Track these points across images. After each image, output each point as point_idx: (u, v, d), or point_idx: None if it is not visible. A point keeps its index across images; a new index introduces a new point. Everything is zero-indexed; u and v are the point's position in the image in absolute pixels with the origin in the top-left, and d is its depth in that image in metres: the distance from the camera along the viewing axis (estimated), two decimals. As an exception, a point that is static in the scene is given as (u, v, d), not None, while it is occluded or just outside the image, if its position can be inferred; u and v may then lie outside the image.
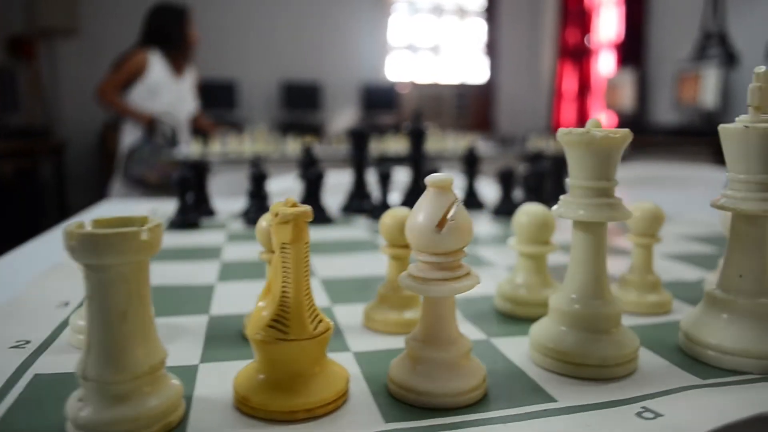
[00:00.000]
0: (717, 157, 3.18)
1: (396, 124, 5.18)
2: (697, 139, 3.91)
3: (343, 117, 5.68)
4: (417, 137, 1.03)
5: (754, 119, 0.38)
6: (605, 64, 5.30)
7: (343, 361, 0.39)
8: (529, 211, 0.49)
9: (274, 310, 0.33)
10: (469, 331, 0.45)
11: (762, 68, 0.39)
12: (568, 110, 5.61)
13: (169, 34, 2.94)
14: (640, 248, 0.50)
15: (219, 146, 2.88)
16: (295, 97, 5.45)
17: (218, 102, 5.11)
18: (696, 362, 0.39)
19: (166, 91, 2.93)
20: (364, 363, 0.39)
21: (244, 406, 0.33)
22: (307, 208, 0.32)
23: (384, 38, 5.75)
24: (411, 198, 1.00)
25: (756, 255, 0.39)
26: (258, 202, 0.94)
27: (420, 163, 1.02)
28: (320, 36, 5.58)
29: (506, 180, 0.97)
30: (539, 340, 0.39)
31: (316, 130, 5.09)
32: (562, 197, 0.39)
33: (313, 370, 0.34)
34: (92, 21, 4.99)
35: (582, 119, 5.50)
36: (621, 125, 4.95)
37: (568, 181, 0.39)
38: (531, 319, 0.44)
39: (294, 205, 0.33)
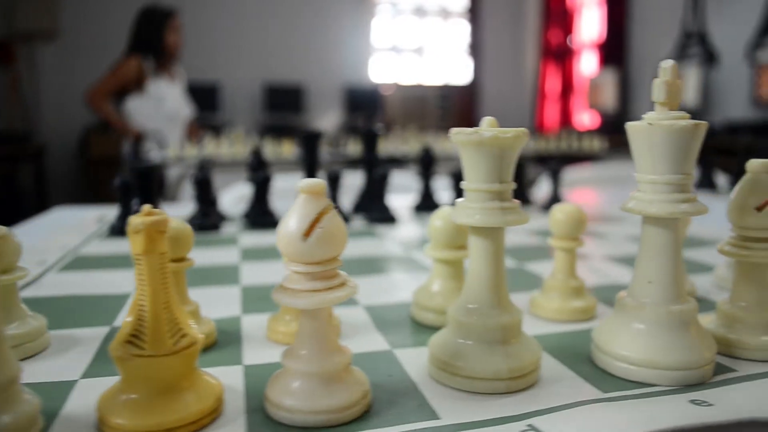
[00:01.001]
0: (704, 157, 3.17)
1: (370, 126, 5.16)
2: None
3: (326, 119, 5.66)
4: (370, 139, 1.01)
5: (659, 116, 0.36)
6: (588, 64, 5.30)
7: (230, 375, 0.37)
8: (443, 215, 0.47)
9: (131, 325, 0.31)
10: (374, 340, 0.43)
11: (669, 62, 0.37)
12: (552, 110, 5.61)
13: (150, 40, 2.91)
14: (562, 252, 0.48)
15: (195, 150, 2.85)
16: (278, 100, 5.42)
17: (200, 105, 5.06)
18: (604, 374, 0.37)
19: (168, 99, 2.93)
20: (253, 377, 0.37)
21: (104, 426, 0.30)
22: (162, 217, 0.30)
23: (367, 40, 5.73)
24: (364, 202, 0.98)
25: (666, 260, 0.37)
26: (204, 207, 0.91)
27: (373, 166, 1.00)
28: (303, 38, 5.55)
29: (458, 180, 0.95)
30: (434, 353, 0.36)
31: (299, 133, 5.05)
32: (457, 201, 0.37)
33: (179, 386, 0.31)
34: (73, 24, 4.94)
35: (565, 119, 5.51)
36: (604, 124, 4.95)
37: (463, 184, 0.36)
38: (444, 328, 0.42)
39: (149, 214, 0.30)
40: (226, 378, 0.37)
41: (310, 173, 0.99)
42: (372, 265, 0.66)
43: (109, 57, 4.05)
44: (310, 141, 0.99)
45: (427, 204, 1.02)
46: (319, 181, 0.31)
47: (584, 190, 1.55)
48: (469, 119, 5.94)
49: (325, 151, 3.11)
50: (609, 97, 4.83)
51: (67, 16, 4.92)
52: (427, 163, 1.04)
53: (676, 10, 4.46)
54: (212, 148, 2.90)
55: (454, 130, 0.35)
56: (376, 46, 5.76)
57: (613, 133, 4.60)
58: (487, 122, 0.36)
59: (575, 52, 5.43)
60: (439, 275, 0.47)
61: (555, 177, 0.99)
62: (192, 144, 2.88)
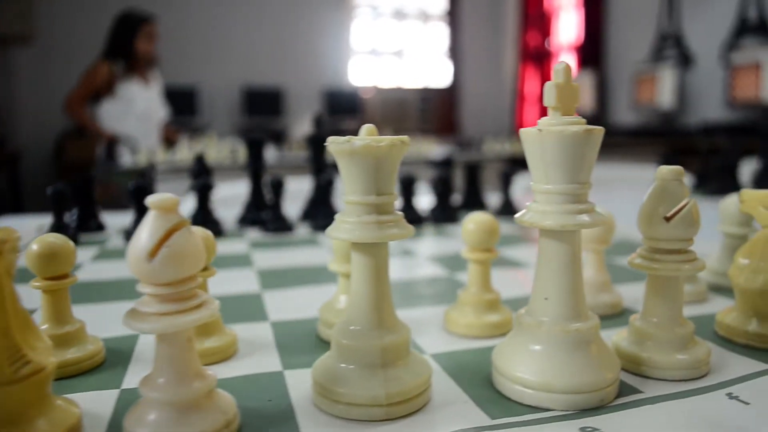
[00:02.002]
0: (667, 157, 3.19)
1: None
2: (654, 139, 3.93)
3: (306, 122, 5.62)
4: (317, 144, 0.98)
5: (550, 121, 0.34)
6: (566, 67, 5.31)
7: (101, 401, 0.34)
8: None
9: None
10: (267, 360, 0.40)
11: (561, 64, 0.34)
12: (531, 112, 5.62)
13: (122, 45, 2.90)
14: (475, 264, 0.45)
15: (168, 154, 2.80)
16: (257, 103, 5.37)
17: (179, 108, 5.01)
18: (500, 398, 0.35)
19: (139, 100, 2.92)
20: (126, 403, 0.34)
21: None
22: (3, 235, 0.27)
23: (347, 43, 5.70)
24: (312, 209, 0.96)
25: (562, 275, 0.34)
26: (141, 216, 0.88)
27: (322, 172, 0.98)
28: (282, 41, 5.52)
29: (408, 187, 0.93)
30: (315, 377, 0.34)
31: (278, 136, 5.02)
32: (337, 216, 0.34)
33: (26, 416, 0.28)
34: (48, 29, 4.87)
35: (545, 122, 5.51)
36: (582, 127, 4.95)
37: (344, 197, 0.34)
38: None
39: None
40: (96, 404, 0.34)
41: (256, 180, 0.97)
42: (302, 276, 0.64)
43: (85, 62, 3.98)
44: (254, 146, 0.96)
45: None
46: (169, 196, 0.29)
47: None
48: (450, 122, 5.94)
49: (300, 155, 3.09)
50: (586, 99, 4.84)
51: (42, 20, 4.84)
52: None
53: (652, 13, 4.48)
54: (185, 152, 2.86)
55: (330, 139, 0.33)
56: (355, 49, 5.74)
57: (591, 135, 4.61)
58: (365, 130, 0.33)
59: (553, 55, 5.44)
60: (345, 290, 0.45)
61: (506, 182, 0.97)
62: (166, 147, 2.86)
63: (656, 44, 4.42)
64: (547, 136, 0.33)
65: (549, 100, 0.34)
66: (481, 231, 0.44)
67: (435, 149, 3.36)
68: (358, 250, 0.33)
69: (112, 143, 2.86)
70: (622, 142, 4.17)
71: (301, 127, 5.57)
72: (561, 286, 0.34)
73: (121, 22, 2.93)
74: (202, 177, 0.91)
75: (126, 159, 2.76)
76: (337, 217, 0.34)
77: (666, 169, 0.37)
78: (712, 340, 0.43)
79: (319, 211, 0.91)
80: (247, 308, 0.52)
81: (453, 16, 5.86)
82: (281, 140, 4.65)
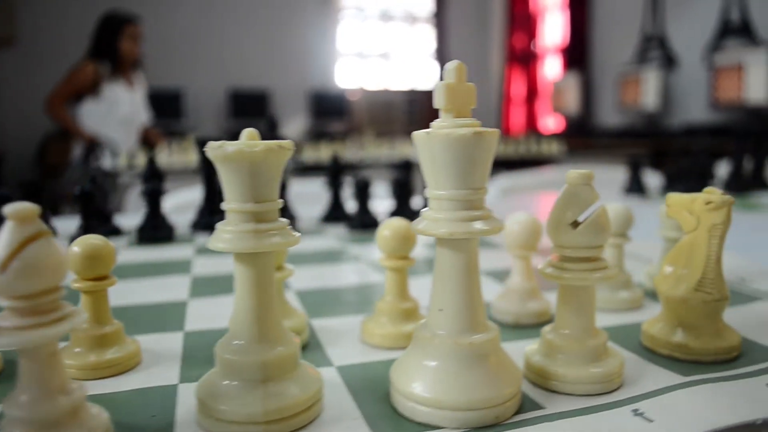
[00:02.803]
0: (651, 158, 3.19)
1: (346, 131, 5.13)
2: (639, 140, 3.93)
3: (292, 125, 5.60)
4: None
5: (441, 124, 0.32)
6: (552, 69, 5.32)
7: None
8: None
9: None
10: (164, 373, 0.38)
11: (453, 63, 0.33)
12: (518, 114, 5.62)
13: (106, 46, 2.88)
14: (391, 272, 0.43)
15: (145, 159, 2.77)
16: (243, 106, 5.35)
17: (164, 112, 4.98)
18: (394, 415, 0.33)
19: (122, 103, 2.91)
20: None
21: None
22: None
23: (333, 45, 5.69)
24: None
25: (456, 285, 0.32)
26: (87, 222, 0.85)
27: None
28: (268, 43, 5.50)
29: (362, 191, 0.91)
30: (198, 393, 0.32)
31: (264, 139, 4.98)
32: (218, 224, 0.32)
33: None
34: (30, 31, 4.83)
35: (531, 123, 5.51)
36: (568, 128, 4.96)
37: (223, 206, 0.32)
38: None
39: None
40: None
41: (210, 184, 0.94)
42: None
43: (68, 63, 3.95)
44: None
45: (335, 214, 0.98)
46: (27, 206, 0.27)
47: (520, 196, 1.52)
48: (437, 124, 5.92)
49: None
50: (572, 101, 4.84)
51: (25, 22, 4.81)
52: (335, 172, 0.99)
53: (636, 14, 4.49)
54: (164, 156, 2.83)
55: (208, 144, 0.31)
56: (342, 51, 5.72)
57: (577, 136, 4.62)
58: (245, 134, 0.31)
59: (539, 57, 5.44)
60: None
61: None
62: (147, 151, 2.84)
63: (640, 46, 4.42)
64: (435, 139, 0.31)
65: (439, 101, 0.32)
66: (396, 238, 0.42)
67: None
68: (239, 261, 0.32)
69: (92, 145, 2.83)
70: (607, 143, 4.17)
71: (288, 129, 5.54)
72: (456, 297, 0.32)
73: (105, 22, 2.91)
74: (152, 181, 0.89)
75: (107, 162, 2.73)
76: (218, 225, 0.32)
77: (574, 174, 0.35)
78: (636, 351, 0.41)
79: None
80: (166, 317, 0.50)
81: (439, 18, 5.85)
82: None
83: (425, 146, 0.32)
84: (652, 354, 0.41)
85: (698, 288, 0.39)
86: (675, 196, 0.41)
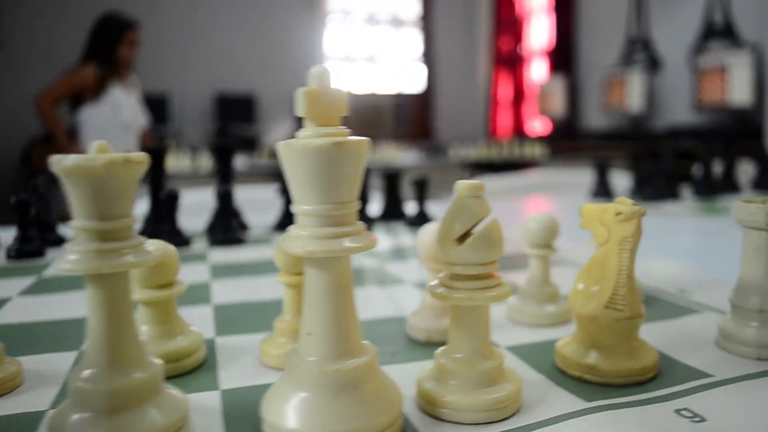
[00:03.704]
0: (632, 161, 3.17)
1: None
2: (624, 143, 3.92)
3: (279, 129, 5.57)
4: (223, 154, 0.93)
5: (304, 134, 0.30)
6: (538, 71, 5.31)
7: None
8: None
9: None
10: (37, 399, 0.36)
11: (318, 68, 0.30)
12: (505, 117, 5.61)
13: (104, 50, 2.84)
14: (289, 289, 0.41)
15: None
16: (230, 110, 5.31)
17: (149, 116, 4.95)
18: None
19: (123, 107, 2.87)
20: None
21: None
22: None
23: (319, 49, 5.66)
24: (216, 222, 0.90)
25: (325, 307, 0.30)
26: (24, 232, 0.82)
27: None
28: (255, 47, 5.47)
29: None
30: (48, 425, 0.29)
31: (251, 144, 4.96)
32: (67, 245, 0.29)
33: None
34: (16, 34, 4.79)
35: (518, 126, 5.50)
36: (554, 131, 4.95)
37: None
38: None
39: None
40: None
41: (155, 192, 0.91)
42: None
43: (55, 66, 3.92)
44: (155, 156, 0.91)
45: (287, 222, 0.95)
46: None
47: (492, 201, 1.50)
48: (424, 127, 5.91)
49: (266, 162, 3.04)
50: (558, 104, 4.83)
51: (11, 25, 4.77)
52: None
53: (621, 17, 4.48)
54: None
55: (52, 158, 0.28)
56: (328, 54, 5.70)
57: (563, 138, 4.61)
58: (95, 147, 0.28)
59: (526, 60, 5.43)
60: (145, 319, 0.40)
61: (421, 191, 0.93)
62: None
63: (625, 48, 4.41)
64: (292, 150, 0.28)
65: (300, 108, 0.30)
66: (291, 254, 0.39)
67: (401, 156, 3.32)
68: (88, 282, 0.29)
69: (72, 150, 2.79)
70: (592, 145, 4.16)
71: (275, 133, 5.52)
72: (324, 320, 0.30)
73: (104, 25, 2.86)
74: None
75: None
76: (66, 245, 0.29)
77: (463, 185, 0.33)
78: (547, 372, 0.39)
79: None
80: (68, 335, 0.47)
81: (426, 22, 5.84)
82: (254, 147, 4.58)
83: (285, 158, 0.29)
84: (563, 376, 0.38)
85: (609, 305, 0.36)
86: (588, 207, 0.39)
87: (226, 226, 0.87)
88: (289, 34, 5.54)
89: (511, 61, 5.52)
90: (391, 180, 1.01)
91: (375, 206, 1.03)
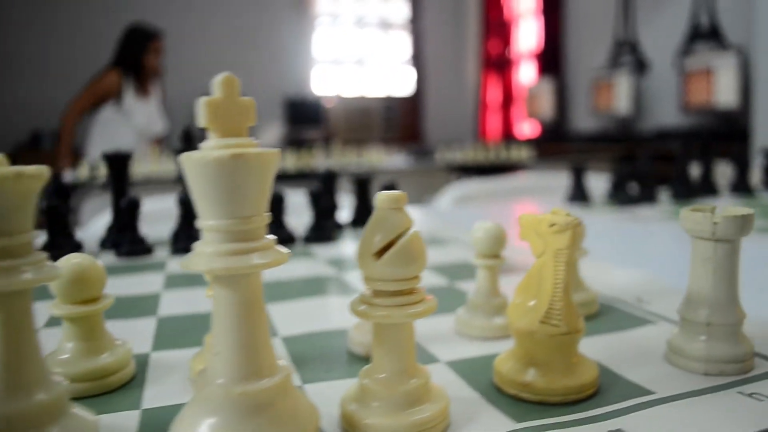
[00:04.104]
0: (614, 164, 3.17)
1: (325, 137, 5.09)
2: (612, 145, 3.92)
3: (267, 132, 5.55)
4: (116, 163, 0.91)
5: (207, 145, 0.28)
6: (526, 74, 5.31)
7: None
8: (71, 263, 0.38)
9: None
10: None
11: (221, 75, 0.28)
12: (494, 120, 5.61)
13: (131, 59, 3.02)
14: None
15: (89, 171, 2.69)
16: (218, 114, 5.29)
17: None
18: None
19: (137, 114, 3.01)
20: None
21: None
22: None
23: (308, 52, 5.65)
24: (179, 230, 0.88)
25: (232, 326, 0.28)
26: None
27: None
28: (243, 50, 5.45)
29: (277, 205, 0.86)
30: None
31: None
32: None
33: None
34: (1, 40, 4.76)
35: (507, 129, 5.50)
36: (543, 133, 4.95)
37: None
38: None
39: None
40: None
41: (117, 199, 0.90)
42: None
43: (40, 69, 3.89)
44: (116, 163, 0.89)
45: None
46: None
47: (475, 205, 1.49)
48: (414, 130, 5.90)
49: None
50: (547, 106, 4.83)
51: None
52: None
53: (608, 20, 4.49)
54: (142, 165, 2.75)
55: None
56: (317, 58, 5.69)
57: (552, 141, 4.61)
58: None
59: (514, 63, 5.43)
60: (68, 335, 0.38)
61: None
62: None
63: (613, 51, 4.42)
64: (191, 163, 0.27)
65: (202, 119, 0.28)
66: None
67: (386, 159, 3.30)
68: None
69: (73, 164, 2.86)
70: (581, 148, 4.16)
71: (264, 137, 5.49)
72: (231, 339, 0.28)
73: (131, 36, 3.05)
74: (51, 198, 0.84)
75: (68, 175, 2.65)
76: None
77: (383, 196, 0.31)
78: (484, 389, 0.37)
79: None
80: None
81: (415, 24, 5.84)
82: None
83: (186, 171, 0.27)
84: (499, 394, 0.36)
85: (545, 320, 0.35)
86: (526, 217, 0.37)
87: (190, 234, 0.85)
88: (278, 38, 5.53)
89: (499, 64, 5.52)
90: (362, 185, 1.00)
91: (345, 212, 1.02)
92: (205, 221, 0.28)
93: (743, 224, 0.38)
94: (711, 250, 0.39)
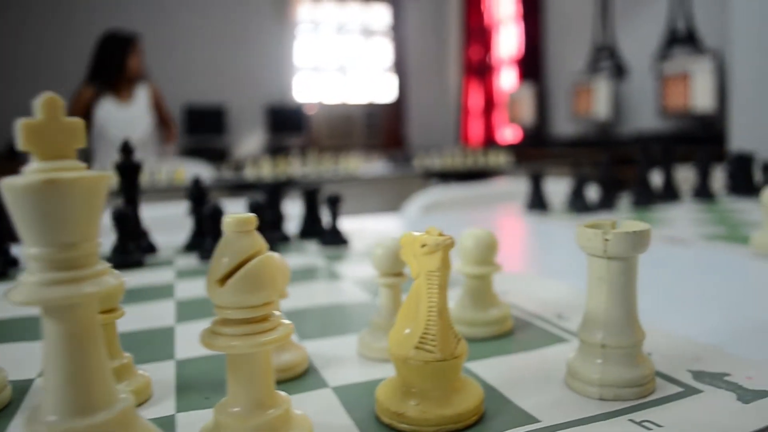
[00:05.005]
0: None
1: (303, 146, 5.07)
2: (591, 149, 3.92)
3: (249, 140, 5.53)
4: (127, 172, 0.89)
5: (27, 169, 0.26)
6: (507, 80, 5.32)
7: None
8: None
9: None
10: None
11: (43, 96, 0.26)
12: (476, 125, 5.61)
13: (108, 65, 3.00)
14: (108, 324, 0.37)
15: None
16: (199, 122, 5.27)
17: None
18: None
19: (112, 126, 3.00)
20: None
21: None
22: None
23: (290, 59, 5.63)
24: (119, 243, 0.86)
25: (60, 360, 0.26)
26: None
27: (134, 201, 0.89)
28: (224, 58, 5.43)
29: (215, 220, 0.84)
30: None
31: (221, 155, 4.91)
32: None
33: None
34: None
35: (489, 134, 5.50)
36: (524, 138, 4.96)
37: None
38: None
39: None
40: None
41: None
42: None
43: (17, 75, 3.84)
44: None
45: (196, 243, 0.91)
46: None
47: (443, 212, 1.47)
48: (396, 136, 5.89)
49: (229, 174, 3.00)
50: (527, 112, 4.84)
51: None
52: (197, 197, 0.92)
53: (587, 25, 4.50)
54: None
55: None
56: (298, 65, 5.67)
57: (533, 146, 4.61)
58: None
59: (495, 69, 5.44)
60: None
61: (333, 207, 0.89)
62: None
63: (592, 56, 4.43)
64: (6, 189, 0.25)
65: (19, 142, 0.26)
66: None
67: (364, 166, 3.29)
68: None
69: None
70: (561, 153, 4.16)
71: (245, 145, 5.47)
72: (59, 374, 0.26)
73: (104, 44, 3.03)
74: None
75: None
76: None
77: (230, 220, 0.29)
78: (364, 417, 0.35)
79: (117, 247, 0.81)
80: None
81: (396, 31, 5.84)
82: (223, 159, 4.53)
83: (4, 197, 0.25)
84: (377, 423, 0.34)
85: (419, 346, 0.33)
86: (407, 236, 0.35)
87: (124, 248, 0.83)
88: (259, 45, 5.51)
89: (481, 70, 5.53)
90: (310, 196, 0.98)
91: (293, 224, 1.00)
92: (26, 249, 0.26)
93: (636, 241, 0.36)
94: (604, 269, 0.37)
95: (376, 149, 5.27)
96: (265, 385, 0.30)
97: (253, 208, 0.86)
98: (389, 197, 2.86)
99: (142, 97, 3.15)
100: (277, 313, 0.31)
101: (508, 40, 5.30)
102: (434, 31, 5.98)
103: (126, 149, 0.90)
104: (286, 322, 0.31)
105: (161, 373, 0.42)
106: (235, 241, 0.29)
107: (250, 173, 2.95)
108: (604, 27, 4.36)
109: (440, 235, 0.33)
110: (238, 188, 2.83)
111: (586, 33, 4.50)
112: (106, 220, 0.87)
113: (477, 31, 5.49)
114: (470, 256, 0.48)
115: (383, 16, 5.88)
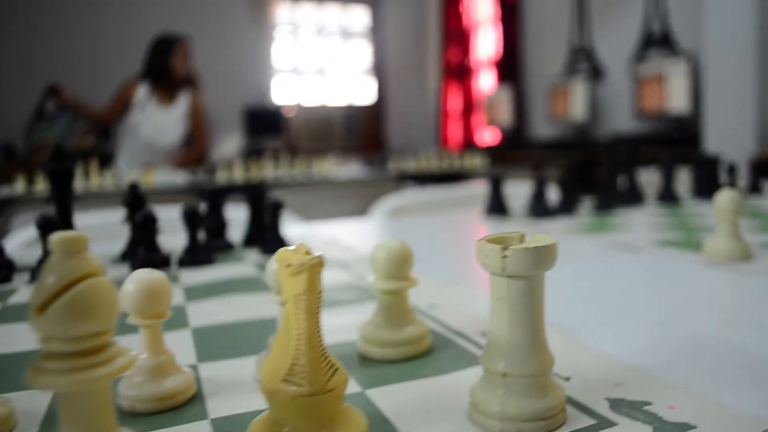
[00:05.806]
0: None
1: (280, 148, 5.02)
2: (568, 151, 3.92)
3: (227, 143, 5.47)
4: (58, 179, 0.85)
5: None
6: (486, 82, 5.31)
7: None
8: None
9: None
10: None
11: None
12: (455, 128, 5.60)
13: (154, 66, 3.10)
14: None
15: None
16: (176, 124, 5.20)
17: (98, 132, 4.81)
18: None
19: (145, 126, 3.07)
20: None
21: None
22: None
23: (268, 61, 5.58)
24: (45, 254, 0.82)
25: None
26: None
27: (66, 209, 0.84)
28: (201, 59, 5.35)
29: (149, 226, 0.80)
30: None
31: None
32: None
33: None
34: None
35: (468, 136, 5.49)
36: (503, 140, 4.95)
37: None
38: None
39: None
40: None
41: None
42: None
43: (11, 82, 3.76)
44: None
45: (134, 252, 0.87)
46: None
47: (410, 217, 1.44)
48: (376, 138, 5.86)
49: (203, 177, 2.95)
50: (506, 114, 4.83)
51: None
52: (133, 204, 0.88)
53: (564, 27, 4.50)
54: (80, 180, 2.65)
55: None
56: (277, 67, 5.63)
57: (512, 148, 4.60)
58: None
59: (474, 71, 5.43)
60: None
61: (275, 215, 0.86)
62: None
63: (569, 58, 4.43)
64: None
65: None
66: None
67: (337, 169, 3.25)
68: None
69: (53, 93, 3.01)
70: (538, 155, 4.16)
71: (223, 148, 5.41)
72: None
73: (155, 45, 3.15)
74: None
75: (5, 190, 2.55)
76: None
77: (56, 238, 0.26)
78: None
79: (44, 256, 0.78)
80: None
81: (376, 33, 5.81)
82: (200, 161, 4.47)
83: None
84: (248, 461, 0.31)
85: (287, 378, 0.30)
86: (283, 253, 0.32)
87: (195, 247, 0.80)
88: (237, 47, 5.46)
89: (460, 72, 5.52)
90: (254, 201, 0.94)
91: (237, 231, 0.96)
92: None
93: (538, 258, 0.33)
94: (504, 288, 0.34)
95: (355, 151, 5.24)
96: (103, 427, 0.27)
97: (188, 215, 0.82)
98: (361, 201, 2.83)
99: (182, 104, 3.19)
100: (117, 342, 0.27)
101: (486, 42, 5.30)
102: (413, 34, 5.96)
103: (57, 154, 0.86)
104: (131, 352, 0.27)
105: (28, 404, 0.38)
106: (60, 263, 0.25)
107: (222, 177, 2.90)
108: (580, 29, 4.36)
109: (307, 253, 0.30)
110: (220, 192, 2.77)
111: (563, 35, 4.50)
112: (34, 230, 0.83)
113: (456, 34, 5.48)
114: (382, 269, 0.45)
115: (362, 18, 5.85)
